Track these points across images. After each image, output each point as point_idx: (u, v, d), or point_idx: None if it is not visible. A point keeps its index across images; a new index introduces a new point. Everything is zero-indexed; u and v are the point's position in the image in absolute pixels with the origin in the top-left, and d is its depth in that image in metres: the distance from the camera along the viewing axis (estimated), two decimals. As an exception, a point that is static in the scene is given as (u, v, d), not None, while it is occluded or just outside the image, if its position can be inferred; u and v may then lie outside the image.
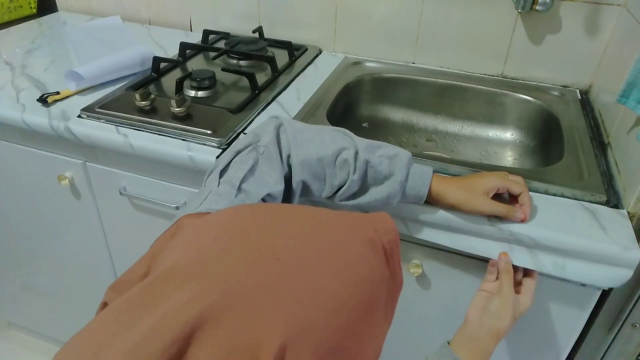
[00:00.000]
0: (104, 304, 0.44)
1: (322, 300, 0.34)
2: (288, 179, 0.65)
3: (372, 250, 0.38)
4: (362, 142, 0.66)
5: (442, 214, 0.70)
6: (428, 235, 0.73)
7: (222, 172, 0.60)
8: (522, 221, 0.68)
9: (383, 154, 0.65)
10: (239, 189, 0.58)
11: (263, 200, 0.61)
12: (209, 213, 0.53)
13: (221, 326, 0.31)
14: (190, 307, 0.32)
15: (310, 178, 0.65)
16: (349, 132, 0.69)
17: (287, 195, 0.66)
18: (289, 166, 0.65)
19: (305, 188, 0.66)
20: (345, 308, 0.34)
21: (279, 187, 0.62)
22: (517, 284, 0.68)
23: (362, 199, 0.67)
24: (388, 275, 0.39)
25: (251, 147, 0.63)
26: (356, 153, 0.65)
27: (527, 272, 0.69)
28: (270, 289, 0.33)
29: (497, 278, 0.69)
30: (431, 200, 0.69)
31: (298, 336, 0.32)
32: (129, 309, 0.34)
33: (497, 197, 0.69)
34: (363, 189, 0.67)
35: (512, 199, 0.70)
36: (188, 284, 0.33)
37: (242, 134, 0.87)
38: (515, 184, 0.68)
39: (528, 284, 0.68)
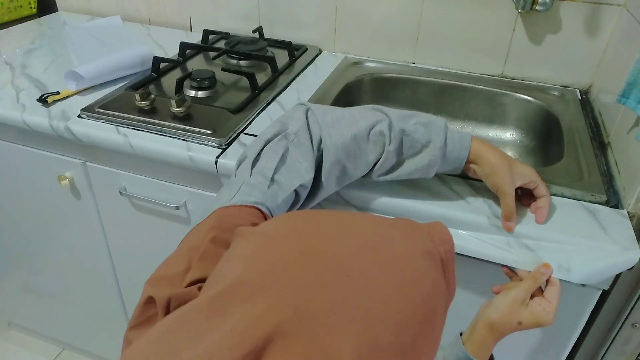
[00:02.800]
0: (148, 299, 0.44)
1: (389, 317, 0.34)
2: (318, 167, 0.64)
3: (432, 262, 0.38)
4: (394, 113, 0.65)
5: (442, 211, 0.71)
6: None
7: (254, 163, 0.60)
8: (538, 222, 0.68)
9: (417, 122, 0.65)
10: (272, 180, 0.58)
11: (295, 191, 0.61)
12: (248, 206, 0.54)
13: (293, 342, 0.31)
14: (263, 321, 0.31)
15: (345, 157, 0.64)
16: (379, 106, 0.68)
17: (317, 185, 0.65)
18: (320, 150, 0.64)
19: (341, 169, 0.65)
20: (411, 325, 0.35)
21: (310, 175, 0.62)
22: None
23: (402, 170, 0.66)
24: (445, 288, 0.39)
25: (281, 135, 0.63)
26: (390, 123, 0.64)
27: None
28: (341, 305, 0.33)
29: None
30: (467, 166, 0.67)
31: (368, 354, 0.32)
32: (197, 318, 0.34)
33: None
34: (400, 161, 0.66)
35: (525, 198, 0.70)
36: (258, 297, 0.33)
37: (242, 134, 0.87)
38: (544, 185, 0.68)
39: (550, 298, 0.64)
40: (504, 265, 0.69)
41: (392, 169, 0.67)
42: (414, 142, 0.65)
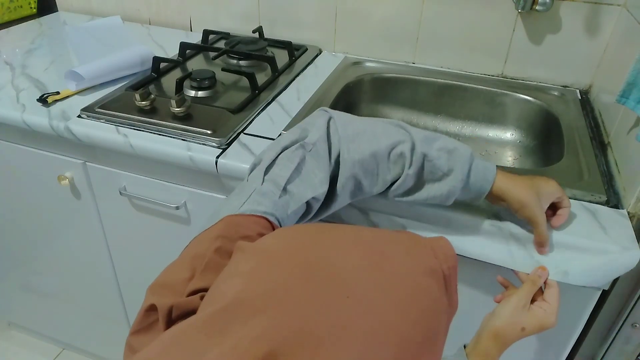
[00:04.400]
0: (150, 306, 0.44)
1: (389, 338, 0.34)
2: (333, 179, 0.63)
3: (433, 279, 0.38)
4: (418, 134, 0.63)
5: (442, 211, 0.70)
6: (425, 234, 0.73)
7: (268, 169, 0.59)
8: (553, 227, 0.67)
9: (442, 147, 0.62)
10: (284, 189, 0.57)
11: (307, 203, 0.59)
12: (258, 214, 0.54)
13: None
14: (262, 341, 0.31)
15: (362, 173, 0.62)
16: (403, 123, 0.65)
17: (331, 197, 0.63)
18: (337, 163, 0.62)
19: (356, 185, 0.63)
20: (412, 344, 0.35)
21: (323, 188, 0.60)
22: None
23: (419, 195, 0.64)
24: (447, 304, 0.39)
25: (299, 144, 0.61)
26: (413, 145, 0.61)
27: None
28: (341, 328, 0.33)
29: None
30: (489, 198, 0.65)
31: None
32: (196, 336, 0.34)
33: None
34: (419, 184, 0.64)
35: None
36: (258, 317, 0.33)
37: (242, 134, 0.87)
38: (566, 196, 0.67)
39: (550, 300, 0.64)
40: (499, 276, 0.70)
41: (409, 192, 0.65)
42: (435, 168, 0.62)
